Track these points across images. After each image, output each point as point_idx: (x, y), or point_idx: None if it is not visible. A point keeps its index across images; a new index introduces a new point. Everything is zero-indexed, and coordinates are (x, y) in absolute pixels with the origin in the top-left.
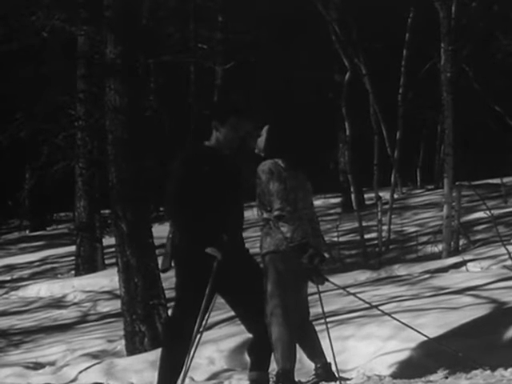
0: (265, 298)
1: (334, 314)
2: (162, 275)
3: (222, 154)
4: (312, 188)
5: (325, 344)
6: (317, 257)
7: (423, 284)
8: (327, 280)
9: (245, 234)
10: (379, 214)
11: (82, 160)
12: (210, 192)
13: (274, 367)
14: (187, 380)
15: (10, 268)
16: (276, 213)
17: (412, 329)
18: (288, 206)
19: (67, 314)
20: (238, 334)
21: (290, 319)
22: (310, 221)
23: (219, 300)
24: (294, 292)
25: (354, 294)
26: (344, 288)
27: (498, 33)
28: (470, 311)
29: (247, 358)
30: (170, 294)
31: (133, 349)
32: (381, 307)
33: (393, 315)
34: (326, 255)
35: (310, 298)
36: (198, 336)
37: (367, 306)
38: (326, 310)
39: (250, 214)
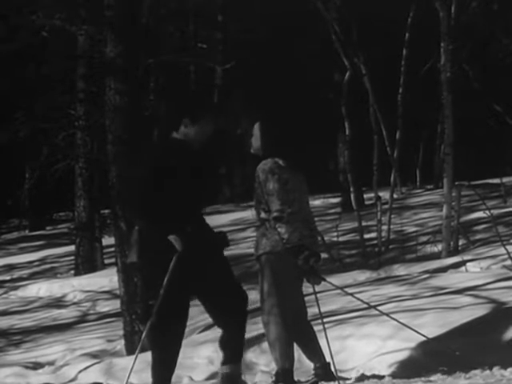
0: (261, 297)
1: (333, 313)
2: None
3: (190, 147)
4: (307, 187)
5: (323, 344)
6: (312, 258)
7: (422, 284)
8: (324, 280)
9: (243, 234)
10: (379, 213)
11: (82, 160)
12: (175, 184)
13: (273, 367)
14: (186, 379)
15: (10, 268)
16: (275, 214)
17: (410, 328)
18: (288, 207)
19: (67, 314)
20: None
21: (287, 318)
22: (305, 221)
23: None
24: (291, 292)
25: (351, 294)
26: (341, 288)
27: (498, 32)
28: (470, 311)
29: (247, 357)
30: None
31: (132, 348)
32: (380, 307)
33: (392, 315)
34: (323, 255)
35: (308, 297)
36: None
37: (366, 305)
38: (325, 309)
39: (249, 214)
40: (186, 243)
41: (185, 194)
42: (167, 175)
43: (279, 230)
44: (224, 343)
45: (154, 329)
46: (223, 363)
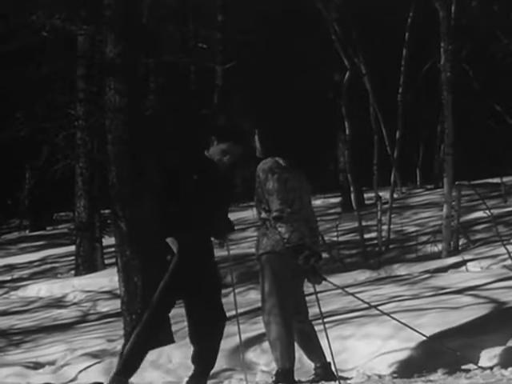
0: (262, 297)
1: (334, 313)
2: None
3: (215, 166)
4: (310, 187)
5: (324, 344)
6: (312, 257)
7: (423, 284)
8: (325, 279)
9: (244, 234)
10: (379, 213)
11: (82, 160)
12: (193, 197)
13: (273, 366)
14: (186, 379)
15: (10, 268)
16: (275, 214)
17: (410, 328)
18: (288, 207)
19: (67, 314)
20: (238, 333)
21: (288, 318)
22: (306, 220)
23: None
24: (292, 291)
25: (352, 294)
26: (342, 288)
27: (498, 32)
28: (470, 311)
29: (247, 357)
30: None
31: None
32: (380, 307)
33: (392, 315)
34: (324, 255)
35: (309, 297)
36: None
37: (367, 305)
38: (326, 309)
39: (250, 213)
40: (182, 248)
41: (195, 205)
42: (185, 187)
43: (280, 229)
44: (195, 358)
45: (144, 324)
46: (191, 376)
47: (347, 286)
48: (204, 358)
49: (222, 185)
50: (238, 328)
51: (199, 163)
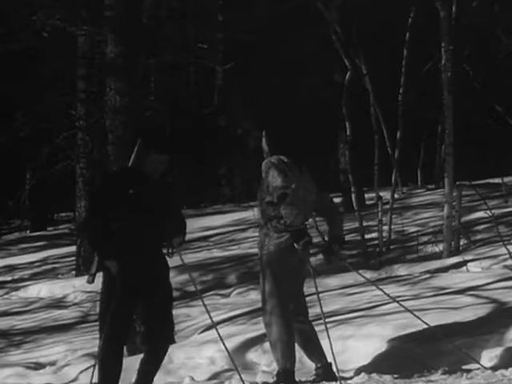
0: (263, 298)
1: (335, 313)
2: None
3: (149, 176)
4: (314, 186)
5: (325, 344)
6: (310, 245)
7: (424, 284)
8: (342, 259)
9: (244, 235)
10: (380, 213)
11: (83, 160)
12: (129, 211)
13: (274, 367)
14: (188, 379)
15: (11, 268)
16: (281, 190)
17: (422, 321)
18: (292, 183)
19: (68, 314)
20: (239, 334)
21: (288, 319)
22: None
23: (219, 300)
24: (292, 292)
25: (378, 287)
26: (368, 280)
27: (499, 32)
28: (471, 311)
29: (248, 357)
30: None
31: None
32: (382, 307)
33: (393, 315)
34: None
35: (310, 298)
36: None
37: (368, 305)
38: (326, 309)
39: (250, 214)
40: (122, 270)
41: (134, 221)
42: (121, 203)
43: (283, 211)
44: (141, 365)
45: (107, 341)
46: (135, 382)
47: (348, 287)
48: (148, 366)
49: (158, 196)
50: (219, 334)
51: (133, 175)
